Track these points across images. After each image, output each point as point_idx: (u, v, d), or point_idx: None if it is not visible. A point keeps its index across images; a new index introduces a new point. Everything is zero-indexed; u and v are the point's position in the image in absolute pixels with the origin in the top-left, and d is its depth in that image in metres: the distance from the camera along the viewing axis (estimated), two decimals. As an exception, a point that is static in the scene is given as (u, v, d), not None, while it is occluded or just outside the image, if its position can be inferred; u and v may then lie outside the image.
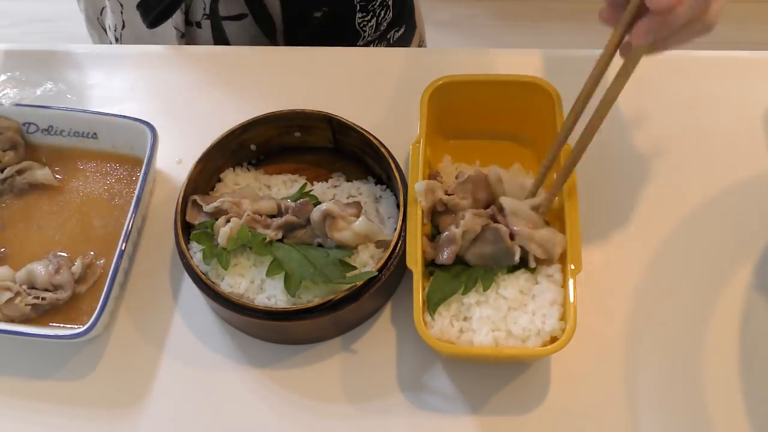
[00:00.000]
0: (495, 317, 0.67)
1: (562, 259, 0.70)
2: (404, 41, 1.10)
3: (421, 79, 0.78)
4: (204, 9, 0.97)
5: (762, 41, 2.09)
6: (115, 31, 1.04)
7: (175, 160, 0.85)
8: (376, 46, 1.07)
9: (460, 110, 0.79)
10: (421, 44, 1.18)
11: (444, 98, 0.78)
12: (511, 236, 0.69)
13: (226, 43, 1.00)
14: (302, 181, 0.80)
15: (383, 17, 1.03)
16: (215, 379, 0.73)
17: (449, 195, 0.72)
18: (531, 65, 0.82)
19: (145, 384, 0.73)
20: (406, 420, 0.70)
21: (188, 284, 0.77)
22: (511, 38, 2.16)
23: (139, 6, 0.93)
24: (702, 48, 0.85)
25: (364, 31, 1.02)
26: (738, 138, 0.84)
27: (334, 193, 0.79)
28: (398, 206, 0.76)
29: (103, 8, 1.06)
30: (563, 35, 2.12)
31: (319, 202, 0.74)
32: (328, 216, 0.71)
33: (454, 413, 0.70)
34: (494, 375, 0.71)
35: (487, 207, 0.72)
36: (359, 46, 1.04)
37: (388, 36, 1.07)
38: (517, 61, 0.91)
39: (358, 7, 1.00)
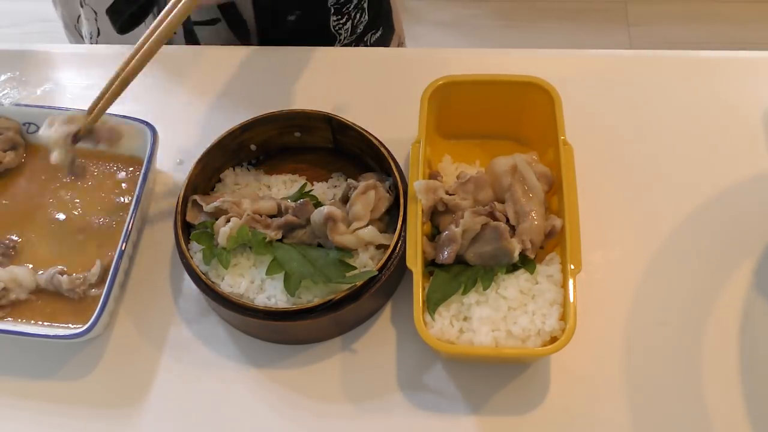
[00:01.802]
0: (495, 317, 0.67)
1: (563, 259, 0.70)
2: (382, 44, 1.09)
3: (421, 79, 0.77)
4: None
5: (762, 41, 2.09)
6: (90, 38, 1.03)
7: (175, 160, 0.85)
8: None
9: (460, 110, 0.79)
10: (401, 47, 1.17)
11: (444, 98, 0.78)
12: (511, 233, 0.69)
13: None
14: (302, 181, 0.80)
15: (359, 20, 1.01)
16: (215, 378, 0.73)
17: (450, 195, 0.72)
18: (531, 65, 0.82)
19: (145, 384, 0.73)
20: (406, 420, 0.70)
21: (188, 284, 0.77)
22: (511, 38, 2.17)
23: (108, 11, 0.91)
24: (702, 48, 0.86)
25: (340, 35, 1.01)
26: (738, 138, 0.83)
27: (334, 193, 0.78)
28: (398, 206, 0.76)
29: (78, 16, 1.05)
30: (563, 35, 2.12)
31: (319, 203, 0.74)
32: (330, 219, 0.71)
33: (454, 413, 0.70)
34: (494, 375, 0.71)
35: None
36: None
37: (365, 39, 1.05)
38: (517, 61, 0.91)
39: (332, 10, 0.98)
